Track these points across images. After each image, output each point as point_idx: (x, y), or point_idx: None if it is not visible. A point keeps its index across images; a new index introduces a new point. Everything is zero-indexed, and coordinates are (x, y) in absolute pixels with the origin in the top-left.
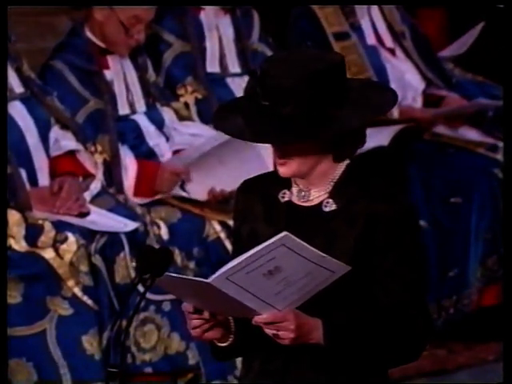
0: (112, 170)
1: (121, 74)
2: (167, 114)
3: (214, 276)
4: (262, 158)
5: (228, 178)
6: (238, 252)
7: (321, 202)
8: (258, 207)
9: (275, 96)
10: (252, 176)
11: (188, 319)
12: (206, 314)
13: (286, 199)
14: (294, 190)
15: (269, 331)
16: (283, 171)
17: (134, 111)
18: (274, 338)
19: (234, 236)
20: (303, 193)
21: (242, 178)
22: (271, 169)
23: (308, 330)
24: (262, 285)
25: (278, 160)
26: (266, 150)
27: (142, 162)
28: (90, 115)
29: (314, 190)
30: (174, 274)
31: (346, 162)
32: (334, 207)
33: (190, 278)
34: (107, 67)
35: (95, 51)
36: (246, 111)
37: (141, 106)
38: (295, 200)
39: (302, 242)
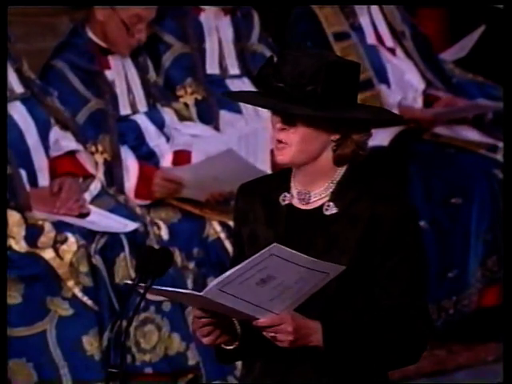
0: (113, 171)
1: (122, 74)
2: (168, 114)
3: (206, 289)
4: (255, 169)
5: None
6: (238, 255)
7: (321, 205)
8: (258, 210)
9: (295, 79)
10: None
11: (196, 326)
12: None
13: (287, 202)
14: (294, 192)
15: (267, 334)
16: (281, 157)
17: (135, 111)
18: (273, 341)
19: (234, 239)
20: (303, 195)
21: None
22: None
23: (307, 333)
24: (256, 292)
25: (278, 144)
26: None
27: (142, 164)
28: (92, 115)
29: (314, 193)
30: (165, 288)
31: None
32: (334, 210)
33: (182, 290)
34: (108, 67)
35: (96, 51)
36: (259, 90)
37: (142, 106)
38: (296, 203)
39: (291, 251)
